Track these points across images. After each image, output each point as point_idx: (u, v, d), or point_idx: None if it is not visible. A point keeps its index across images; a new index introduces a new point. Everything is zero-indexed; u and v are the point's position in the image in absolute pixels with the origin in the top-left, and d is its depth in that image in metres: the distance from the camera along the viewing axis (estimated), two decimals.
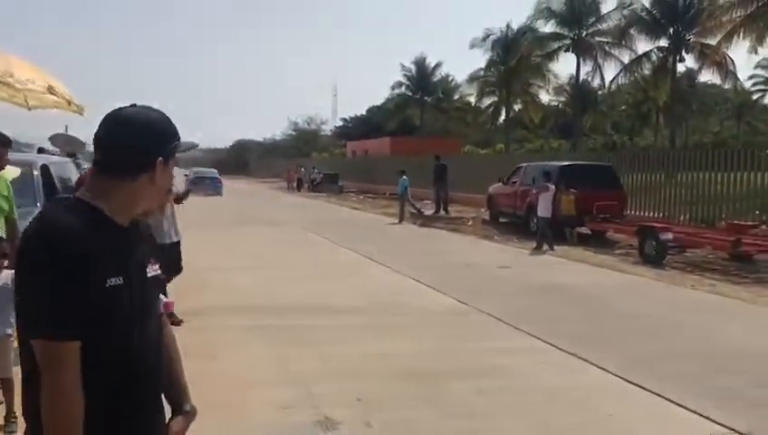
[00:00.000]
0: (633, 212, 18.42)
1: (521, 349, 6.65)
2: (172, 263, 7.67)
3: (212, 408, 4.87)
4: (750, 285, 10.57)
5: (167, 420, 1.94)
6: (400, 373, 5.74)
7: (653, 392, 5.33)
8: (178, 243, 7.85)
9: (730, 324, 7.88)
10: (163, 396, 1.96)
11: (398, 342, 6.81)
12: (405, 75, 55.68)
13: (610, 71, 38.59)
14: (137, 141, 1.71)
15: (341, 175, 42.74)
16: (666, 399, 5.19)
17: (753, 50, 26.71)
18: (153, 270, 1.83)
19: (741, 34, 26.39)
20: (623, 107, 60.13)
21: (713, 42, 30.04)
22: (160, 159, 1.73)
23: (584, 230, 16.04)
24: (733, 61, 32.94)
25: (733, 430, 4.57)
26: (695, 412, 4.89)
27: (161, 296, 1.98)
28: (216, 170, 41.78)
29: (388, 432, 4.47)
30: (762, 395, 5.31)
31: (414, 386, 5.42)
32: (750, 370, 5.97)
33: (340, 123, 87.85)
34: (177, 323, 7.35)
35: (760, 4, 25.41)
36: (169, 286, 9.06)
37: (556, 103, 57.43)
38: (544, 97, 49.12)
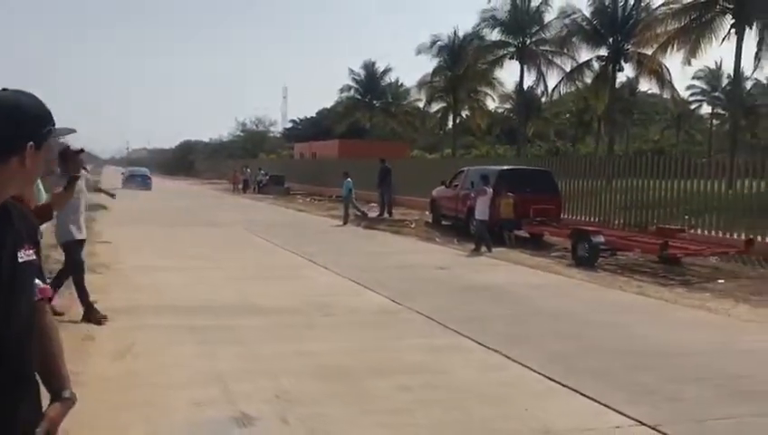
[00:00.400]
0: (572, 216, 18.90)
1: (447, 346, 6.74)
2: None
3: (129, 405, 4.84)
4: (675, 286, 10.94)
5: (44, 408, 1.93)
6: (324, 371, 5.76)
7: (570, 388, 5.48)
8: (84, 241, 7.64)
9: (651, 324, 8.14)
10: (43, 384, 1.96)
11: (327, 341, 6.83)
12: (354, 79, 55.86)
13: (553, 79, 39.49)
14: (5, 125, 1.70)
15: (289, 177, 42.51)
16: (581, 394, 5.34)
17: (687, 61, 27.74)
18: (26, 255, 1.81)
19: (675, 46, 27.36)
20: (567, 115, 61.61)
21: (650, 52, 31.04)
22: (31, 143, 1.72)
23: (522, 233, 16.35)
24: (669, 70, 34.14)
25: (640, 422, 4.73)
26: (607, 406, 5.05)
27: (38, 282, 1.96)
28: (146, 169, 51.12)
29: (305, 428, 4.48)
30: (674, 390, 5.51)
31: (336, 383, 5.45)
32: (665, 366, 6.20)
33: (290, 125, 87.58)
34: (99, 320, 7.18)
35: (692, 17, 26.42)
36: (99, 285, 8.93)
37: (502, 110, 58.43)
38: (491, 104, 49.93)
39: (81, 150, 7.09)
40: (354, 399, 5.13)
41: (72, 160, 6.68)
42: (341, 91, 57.33)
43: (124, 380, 5.43)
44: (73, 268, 7.29)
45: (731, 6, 26.25)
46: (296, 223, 21.75)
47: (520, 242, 15.86)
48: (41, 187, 5.81)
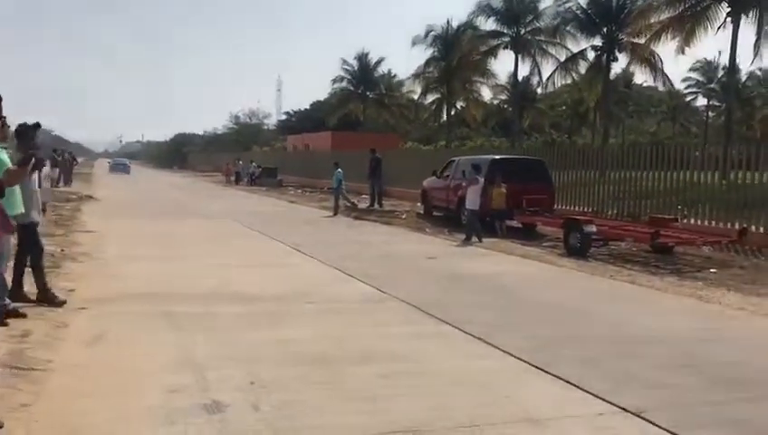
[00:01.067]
0: (566, 207, 18.78)
1: (431, 334, 6.60)
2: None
3: (97, 392, 4.69)
4: (666, 275, 10.81)
5: None
6: (304, 358, 5.61)
7: (554, 375, 5.34)
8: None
9: (640, 312, 8.01)
10: None
11: (308, 328, 6.68)
12: (346, 70, 55.51)
13: (548, 69, 39.22)
14: None
15: (282, 169, 42.31)
16: (566, 381, 5.20)
17: (681, 50, 27.58)
18: None
19: (669, 35, 27.20)
20: (563, 107, 61.45)
21: (644, 41, 30.81)
22: None
23: (514, 223, 16.19)
24: (661, 59, 33.86)
25: (624, 409, 4.60)
26: (591, 393, 4.92)
27: None
28: (127, 160, 72.78)
29: (277, 414, 4.32)
30: (661, 377, 5.39)
31: (316, 370, 5.30)
32: (653, 354, 6.07)
33: (284, 117, 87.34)
34: (58, 303, 6.98)
35: (687, 5, 26.25)
36: (79, 273, 8.78)
37: (497, 102, 58.23)
38: (486, 95, 49.67)
39: (37, 125, 6.82)
40: (333, 386, 4.98)
41: (26, 137, 6.44)
42: (334, 82, 57.05)
43: (96, 367, 5.28)
44: (34, 250, 7.03)
45: None
46: (286, 214, 21.58)
47: (511, 232, 15.71)
48: (8, 161, 5.57)
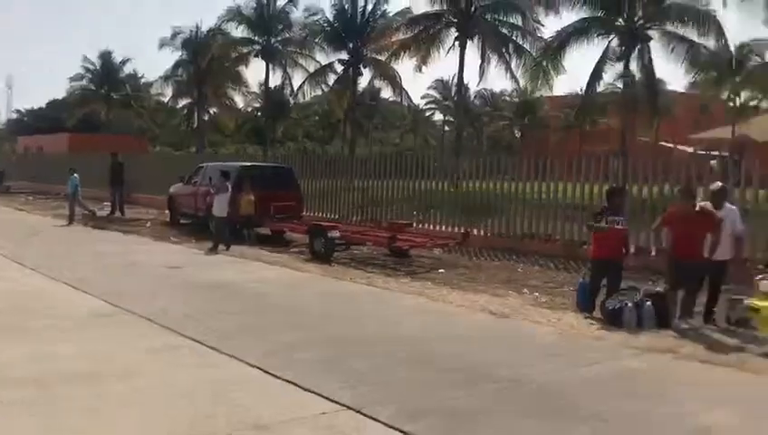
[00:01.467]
0: (314, 214, 19.21)
1: (163, 348, 6.32)
2: None
3: None
4: (401, 276, 11.53)
5: None
6: (7, 383, 5.04)
7: (286, 380, 5.42)
8: None
9: (375, 312, 8.45)
10: None
11: (23, 348, 6.04)
12: (86, 68, 51.41)
13: (299, 79, 39.96)
14: None
15: (10, 174, 37.89)
16: (295, 384, 5.31)
17: (419, 69, 30.09)
18: None
19: (408, 54, 29.50)
20: (316, 117, 63.21)
21: (385, 58, 33.05)
22: None
23: (264, 230, 16.22)
24: (401, 77, 36.48)
25: (347, 406, 4.80)
26: (318, 394, 5.07)
27: None
28: None
29: None
30: (386, 374, 5.73)
31: (20, 394, 4.80)
32: (382, 352, 6.41)
33: (15, 116, 78.45)
34: None
35: (421, 28, 28.71)
36: None
37: (251, 109, 58.01)
38: (240, 102, 49.19)
39: None
40: (41, 410, 4.55)
41: None
42: (72, 80, 52.50)
43: None
44: None
45: (455, 20, 28.93)
46: (11, 222, 19.34)
47: (260, 239, 15.70)
48: None
